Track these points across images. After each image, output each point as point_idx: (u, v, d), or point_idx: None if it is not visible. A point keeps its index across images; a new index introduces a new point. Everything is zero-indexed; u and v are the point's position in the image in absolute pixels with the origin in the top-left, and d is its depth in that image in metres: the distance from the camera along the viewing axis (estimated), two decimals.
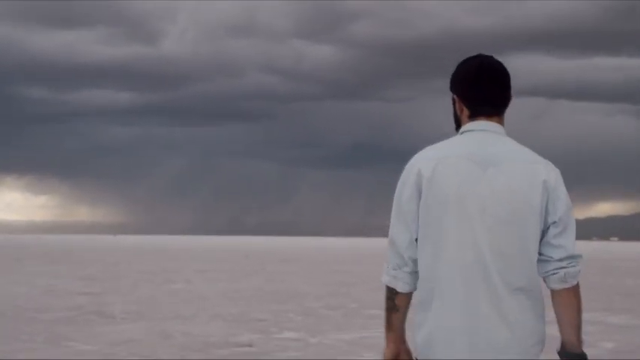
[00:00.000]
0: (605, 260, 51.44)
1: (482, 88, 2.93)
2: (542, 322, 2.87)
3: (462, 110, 2.98)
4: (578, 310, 2.89)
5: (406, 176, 2.90)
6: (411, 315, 2.92)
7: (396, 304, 2.97)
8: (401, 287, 2.94)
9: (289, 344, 11.45)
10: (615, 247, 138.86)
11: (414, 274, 2.92)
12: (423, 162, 2.87)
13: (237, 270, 33.05)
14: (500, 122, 2.96)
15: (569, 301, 2.88)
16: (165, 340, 11.70)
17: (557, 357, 2.91)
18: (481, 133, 2.92)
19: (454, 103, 3.02)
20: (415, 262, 2.90)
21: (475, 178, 2.82)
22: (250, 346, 11.23)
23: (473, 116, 2.95)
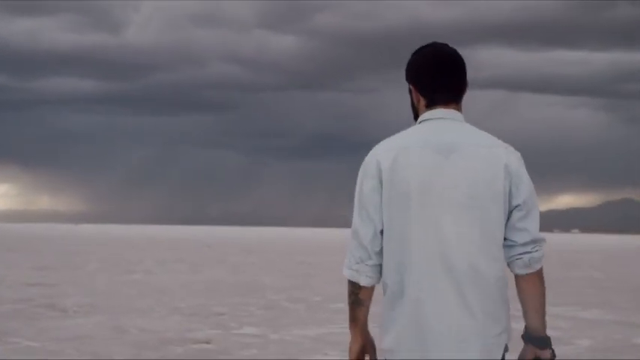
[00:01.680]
0: (568, 252, 51.40)
1: (437, 76, 2.91)
2: (507, 310, 2.86)
3: (418, 100, 2.97)
4: (542, 295, 2.89)
5: (366, 168, 2.88)
6: (374, 309, 2.82)
7: (359, 298, 2.94)
8: (364, 281, 2.90)
9: (249, 341, 10.83)
10: (577, 239, 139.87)
11: (377, 267, 2.89)
12: (382, 153, 2.86)
13: (198, 261, 32.35)
14: (458, 109, 2.95)
15: (533, 287, 2.87)
16: (118, 336, 11.04)
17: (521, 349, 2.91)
18: (439, 121, 2.90)
19: (410, 93, 3.01)
20: (378, 254, 2.88)
21: (436, 166, 2.81)
22: (208, 342, 10.59)
23: (430, 105, 2.94)
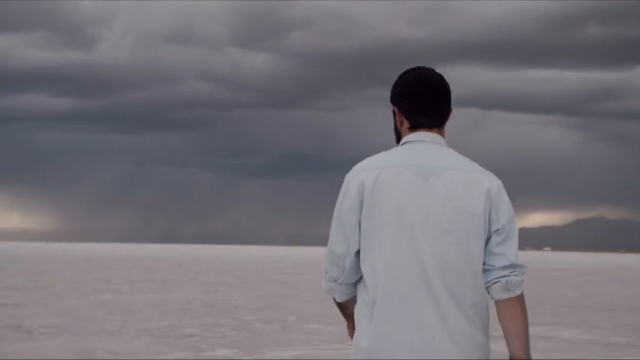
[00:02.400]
0: (541, 270, 51.31)
1: (421, 100, 2.93)
2: (487, 336, 2.84)
3: (402, 122, 2.99)
4: (524, 321, 2.85)
5: (347, 187, 2.88)
6: None
7: (342, 305, 3.06)
8: (339, 298, 2.98)
9: None
10: (549, 257, 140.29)
11: (351, 285, 2.91)
12: (364, 172, 2.86)
13: (169, 280, 31.82)
14: (441, 134, 2.97)
15: (514, 312, 2.84)
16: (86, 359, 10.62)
17: None
18: (422, 143, 2.92)
19: (394, 115, 3.02)
20: (353, 273, 2.88)
21: (417, 188, 2.81)
22: None
23: (413, 128, 2.96)
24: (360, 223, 2.84)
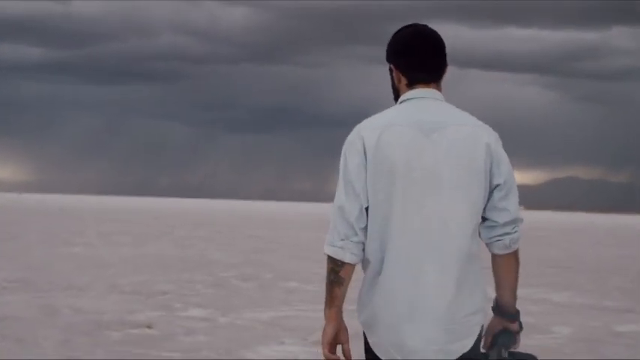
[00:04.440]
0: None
1: (417, 56, 2.96)
2: (483, 290, 2.92)
3: (399, 79, 3.01)
4: (516, 273, 2.99)
5: (350, 146, 2.90)
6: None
7: (340, 276, 2.92)
8: (349, 258, 2.90)
9: (195, 325, 9.72)
10: (524, 216, 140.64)
11: (362, 244, 2.90)
12: (366, 131, 2.89)
13: (144, 233, 31.07)
14: (439, 89, 3.00)
15: (509, 266, 2.95)
16: (48, 318, 9.90)
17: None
18: (420, 100, 2.94)
19: (391, 73, 3.04)
20: (364, 231, 2.89)
21: (419, 144, 2.85)
22: (149, 327, 9.45)
23: (411, 84, 2.98)
24: (366, 181, 2.86)
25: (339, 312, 2.93)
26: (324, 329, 2.92)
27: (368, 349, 2.96)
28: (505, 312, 3.01)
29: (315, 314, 10.30)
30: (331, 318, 2.92)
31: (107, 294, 12.26)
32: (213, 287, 13.55)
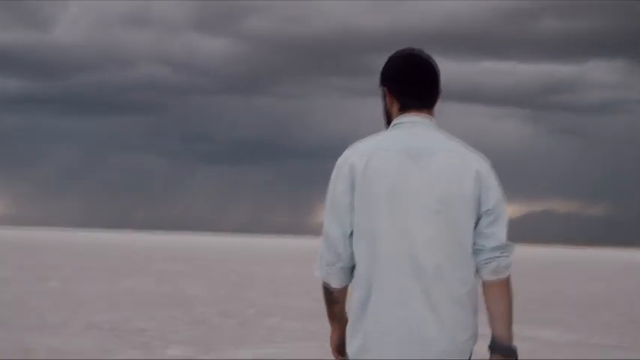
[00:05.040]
0: None
1: (410, 84, 2.97)
2: (476, 317, 2.87)
3: (392, 104, 3.01)
4: (510, 304, 2.89)
5: (339, 170, 2.90)
6: None
7: (334, 296, 3.00)
8: (335, 283, 2.95)
9: None
10: None
11: (348, 269, 2.91)
12: (355, 156, 2.88)
13: (121, 268, 30.60)
14: (431, 115, 3.00)
15: (501, 295, 2.87)
16: (23, 358, 9.52)
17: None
18: (412, 126, 2.94)
19: (384, 97, 3.04)
20: (349, 257, 2.90)
21: (407, 170, 2.85)
22: None
23: (403, 109, 2.98)
24: (352, 206, 2.85)
25: (341, 320, 3.03)
26: (331, 337, 3.10)
27: None
28: (500, 347, 2.89)
29: (299, 351, 10.02)
30: (335, 328, 3.07)
31: (84, 332, 11.89)
32: (193, 324, 13.22)
